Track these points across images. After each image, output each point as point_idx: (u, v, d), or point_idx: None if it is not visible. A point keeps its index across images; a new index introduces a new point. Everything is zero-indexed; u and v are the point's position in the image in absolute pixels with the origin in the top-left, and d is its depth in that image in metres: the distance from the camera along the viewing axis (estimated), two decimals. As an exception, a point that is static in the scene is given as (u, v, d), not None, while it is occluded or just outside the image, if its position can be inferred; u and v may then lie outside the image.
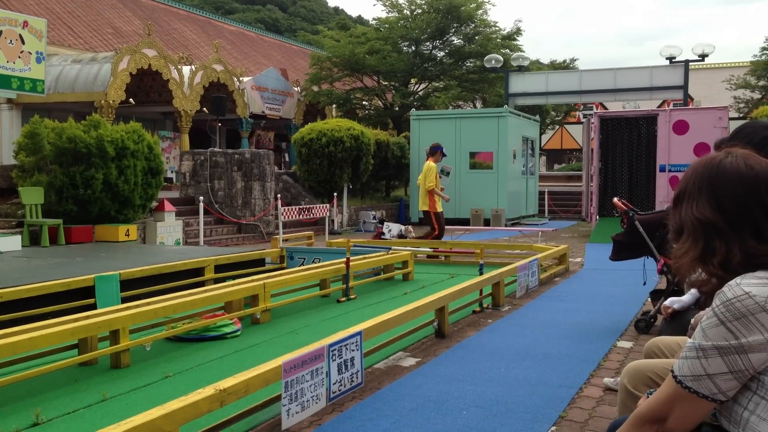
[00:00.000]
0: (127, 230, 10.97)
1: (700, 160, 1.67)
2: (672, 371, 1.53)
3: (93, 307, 6.10)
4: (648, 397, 1.67)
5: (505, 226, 17.73)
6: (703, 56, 21.38)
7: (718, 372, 1.44)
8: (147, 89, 21.55)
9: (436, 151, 11.37)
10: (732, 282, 1.45)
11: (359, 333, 4.38)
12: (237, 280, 6.70)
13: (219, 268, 8.14)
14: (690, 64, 21.70)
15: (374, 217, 18.01)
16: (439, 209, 11.36)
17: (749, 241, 1.50)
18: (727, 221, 1.54)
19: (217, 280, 7.71)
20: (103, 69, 18.26)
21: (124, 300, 6.42)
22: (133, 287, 6.81)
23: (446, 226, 14.12)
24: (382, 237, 12.40)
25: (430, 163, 11.34)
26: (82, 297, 6.27)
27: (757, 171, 1.55)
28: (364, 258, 8.28)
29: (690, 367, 1.49)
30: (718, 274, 1.55)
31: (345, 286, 7.47)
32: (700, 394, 1.48)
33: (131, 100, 20.03)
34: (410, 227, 12.43)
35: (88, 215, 10.92)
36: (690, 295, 4.73)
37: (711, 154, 1.66)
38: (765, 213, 1.52)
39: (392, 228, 12.51)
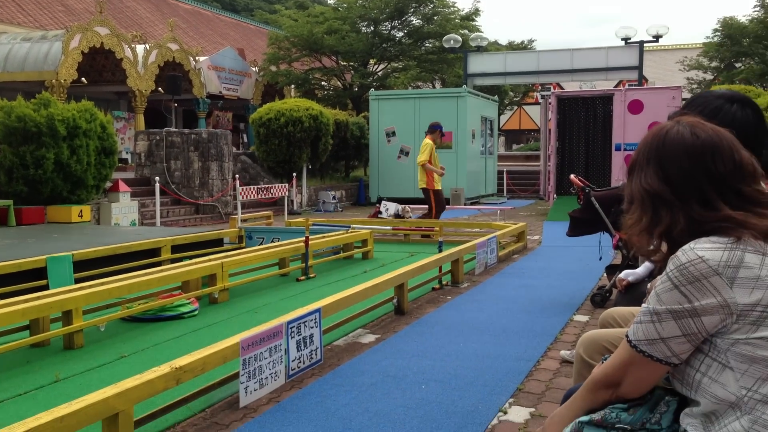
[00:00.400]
0: (81, 211, 10.74)
1: (650, 131, 1.68)
2: (626, 336, 1.54)
3: (45, 288, 5.95)
4: (603, 363, 1.69)
5: (465, 205, 17.83)
6: (657, 37, 21.68)
7: (672, 335, 1.46)
8: (100, 68, 21.05)
9: (435, 129, 11.17)
10: (686, 246, 1.46)
11: (318, 310, 4.35)
12: (194, 260, 6.61)
13: (176, 249, 8.02)
14: (644, 45, 21.99)
15: (334, 197, 17.94)
16: (437, 186, 11.12)
17: (696, 209, 1.52)
18: (673, 191, 1.55)
19: (174, 261, 7.59)
20: (54, 47, 17.77)
21: (77, 281, 6.28)
22: (87, 268, 6.67)
23: (407, 205, 14.11)
24: (379, 216, 12.29)
25: (427, 140, 11.12)
26: (34, 279, 6.12)
27: (702, 139, 1.56)
28: (324, 237, 8.24)
29: (644, 331, 1.50)
30: (665, 243, 1.58)
31: (304, 264, 7.43)
32: (654, 357, 1.49)
33: (83, 79, 19.54)
34: (408, 207, 12.18)
35: (40, 196, 10.66)
36: (644, 268, 4.81)
37: (660, 125, 1.67)
38: (710, 180, 1.53)
39: (389, 207, 12.33)
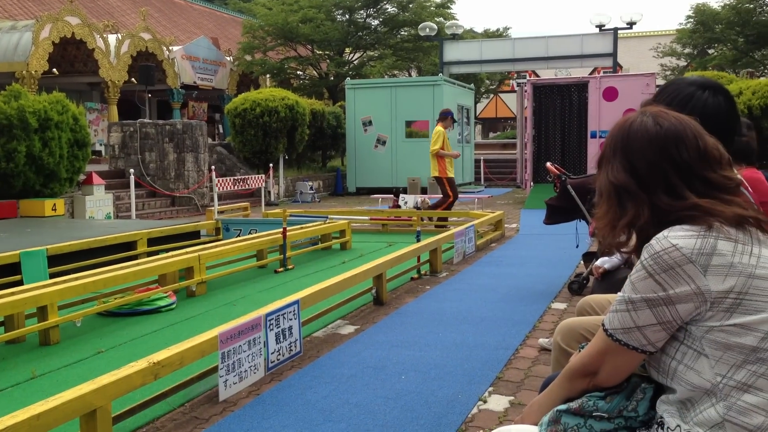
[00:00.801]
0: (54, 204, 10.60)
1: (616, 123, 1.70)
2: (603, 325, 1.56)
3: (19, 284, 5.87)
4: (580, 351, 1.70)
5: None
6: (631, 24, 21.81)
7: (647, 324, 1.47)
8: (71, 59, 20.72)
9: (446, 117, 10.89)
10: (659, 235, 1.48)
11: (297, 302, 4.34)
12: (171, 253, 6.55)
13: (152, 242, 7.95)
14: (619, 32, 22.12)
15: (311, 188, 17.89)
16: (450, 174, 10.87)
17: (663, 199, 1.53)
18: (639, 182, 1.57)
19: (150, 254, 7.53)
20: (24, 38, 17.45)
21: (52, 276, 6.20)
22: (62, 263, 6.59)
23: (383, 195, 14.08)
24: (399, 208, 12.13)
25: (438, 128, 10.83)
26: (8, 274, 6.03)
27: (665, 128, 1.58)
28: (301, 228, 8.21)
29: (620, 320, 1.51)
30: (633, 234, 1.60)
31: (282, 256, 7.41)
32: (630, 346, 1.51)
33: (55, 70, 19.23)
34: (427, 199, 12.00)
35: (12, 190, 10.49)
36: (620, 255, 4.85)
37: (625, 117, 1.69)
38: (676, 169, 1.54)
39: (408, 200, 12.12)
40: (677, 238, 1.45)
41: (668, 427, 1.46)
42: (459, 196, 11.43)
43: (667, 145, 1.56)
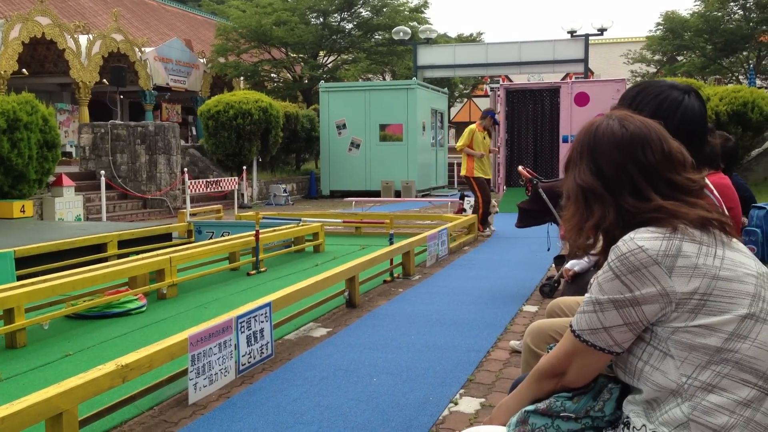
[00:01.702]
0: (23, 206, 10.44)
1: (582, 127, 1.72)
2: (570, 326, 1.57)
3: (-15, 286, 5.77)
4: (548, 352, 1.71)
5: (416, 197, 17.91)
6: (602, 30, 22.07)
7: (614, 324, 1.49)
8: (41, 59, 20.46)
9: (485, 116, 10.50)
10: (626, 237, 1.50)
11: (268, 304, 4.32)
12: (142, 255, 6.49)
13: (122, 244, 7.86)
14: (590, 38, 22.36)
15: (285, 191, 17.82)
16: (477, 173, 10.26)
17: (629, 200, 1.56)
18: (605, 184, 1.59)
19: (120, 257, 7.44)
20: (-8, 37, 17.19)
21: (20, 279, 6.10)
22: (30, 265, 6.49)
23: (357, 198, 14.04)
24: (464, 213, 11.65)
25: (471, 126, 10.47)
26: (-27, 276, 5.93)
27: (631, 131, 1.61)
28: (274, 230, 8.18)
29: (587, 321, 1.53)
30: (600, 237, 1.62)
31: (255, 258, 7.37)
32: (597, 347, 1.52)
33: (24, 70, 18.97)
34: (494, 202, 11.07)
35: (-21, 191, 10.32)
36: (583, 261, 4.89)
37: (591, 120, 1.72)
38: (641, 171, 1.57)
39: (473, 202, 11.36)
40: (643, 240, 1.47)
41: (634, 427, 1.48)
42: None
43: (632, 148, 1.59)
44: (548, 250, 6.79)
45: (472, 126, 10.47)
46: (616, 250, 1.49)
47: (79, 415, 2.89)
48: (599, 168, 1.61)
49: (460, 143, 10.36)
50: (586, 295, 1.55)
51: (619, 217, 1.57)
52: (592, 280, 1.61)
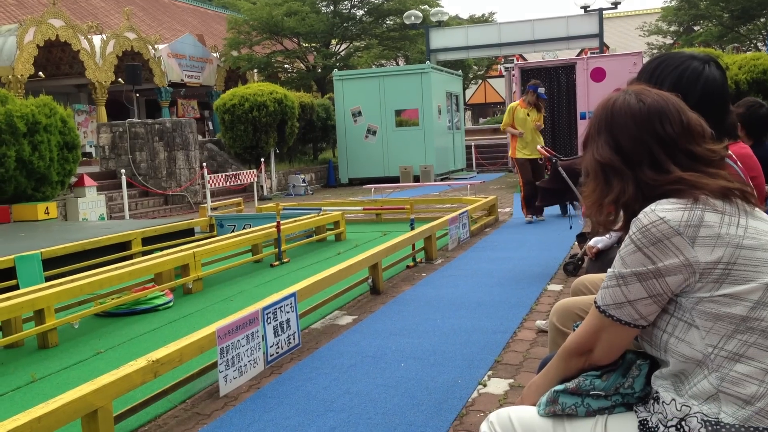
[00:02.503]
0: (47, 208, 10.57)
1: (599, 103, 1.72)
2: (595, 302, 1.57)
3: (15, 288, 5.86)
4: (574, 330, 1.72)
5: (435, 181, 17.88)
6: (616, 3, 21.80)
7: (638, 297, 1.49)
8: (57, 61, 20.61)
9: (527, 90, 9.80)
10: (647, 209, 1.50)
11: (293, 294, 4.35)
12: (166, 251, 6.55)
13: (146, 241, 7.94)
14: (604, 12, 22.11)
15: (303, 181, 17.87)
16: (519, 154, 9.64)
17: (648, 174, 1.56)
18: (623, 159, 1.59)
19: (144, 254, 7.52)
20: (8, 42, 17.35)
21: (47, 279, 6.19)
22: (57, 266, 6.58)
23: (376, 185, 14.01)
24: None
25: (513, 104, 9.93)
26: (3, 279, 6.01)
27: (648, 104, 1.60)
28: (295, 221, 8.22)
29: (611, 296, 1.52)
30: (619, 211, 1.62)
31: (277, 250, 7.41)
32: (622, 321, 1.52)
33: (41, 73, 19.14)
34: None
35: (3, 195, 10.45)
36: (613, 233, 4.87)
37: (608, 96, 1.71)
38: (660, 143, 1.57)
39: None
40: (664, 211, 1.47)
41: (663, 402, 1.48)
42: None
43: (650, 121, 1.59)
44: (570, 228, 6.77)
45: (514, 103, 9.93)
46: (637, 223, 1.49)
47: (114, 411, 2.94)
48: (617, 143, 1.61)
49: (502, 124, 9.96)
50: (609, 269, 1.55)
51: (638, 191, 1.57)
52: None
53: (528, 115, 9.55)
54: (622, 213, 1.63)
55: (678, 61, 2.19)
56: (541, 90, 9.61)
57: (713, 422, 1.41)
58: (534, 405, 1.67)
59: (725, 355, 1.43)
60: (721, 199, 1.50)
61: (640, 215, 1.49)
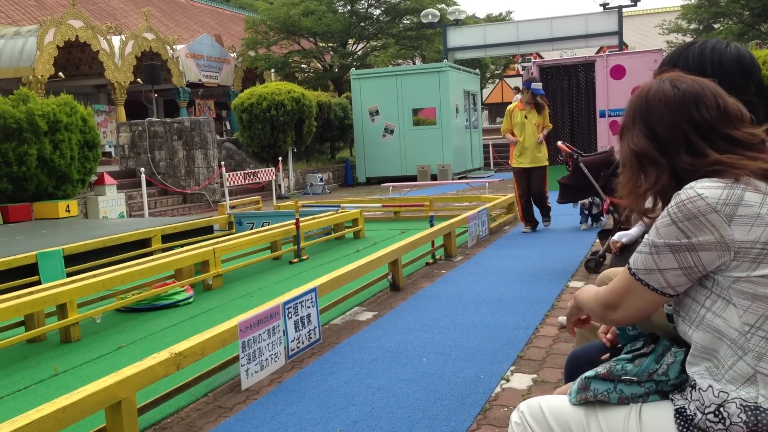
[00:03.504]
0: (68, 206, 10.65)
1: (634, 93, 1.71)
2: (628, 264, 1.57)
3: (37, 284, 5.91)
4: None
5: (452, 180, 17.83)
6: (635, 1, 21.62)
7: (669, 267, 1.48)
8: (76, 62, 20.77)
9: (523, 88, 8.72)
10: (687, 186, 1.49)
11: (314, 289, 4.34)
12: (186, 247, 6.57)
13: (166, 238, 7.97)
14: (623, 10, 21.94)
15: (321, 180, 17.88)
16: (515, 163, 8.55)
17: (685, 159, 1.54)
18: (659, 147, 1.58)
19: (164, 251, 7.55)
20: (29, 43, 17.50)
21: (69, 276, 6.23)
22: (78, 262, 6.62)
23: (394, 183, 13.94)
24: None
25: (510, 106, 8.85)
26: (25, 275, 6.06)
27: (683, 90, 1.59)
28: (314, 218, 8.21)
29: (643, 261, 1.53)
30: (655, 199, 1.62)
31: (296, 247, 7.41)
32: (650, 286, 1.52)
33: (61, 74, 19.29)
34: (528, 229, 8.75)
35: (25, 193, 10.55)
36: (637, 228, 4.81)
37: (642, 85, 1.70)
38: (696, 129, 1.55)
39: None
40: (703, 188, 1.46)
41: (700, 389, 1.45)
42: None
43: (685, 106, 1.57)
44: (586, 221, 6.69)
45: (511, 105, 8.88)
46: (676, 198, 1.48)
47: (138, 404, 2.94)
48: (653, 131, 1.59)
49: (502, 128, 8.88)
50: (646, 236, 1.54)
51: (673, 179, 1.56)
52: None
53: (526, 117, 8.43)
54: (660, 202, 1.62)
55: (699, 46, 2.17)
56: (536, 85, 8.41)
57: (752, 407, 1.39)
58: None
59: (763, 335, 1.42)
60: (762, 180, 1.47)
61: (680, 191, 1.49)
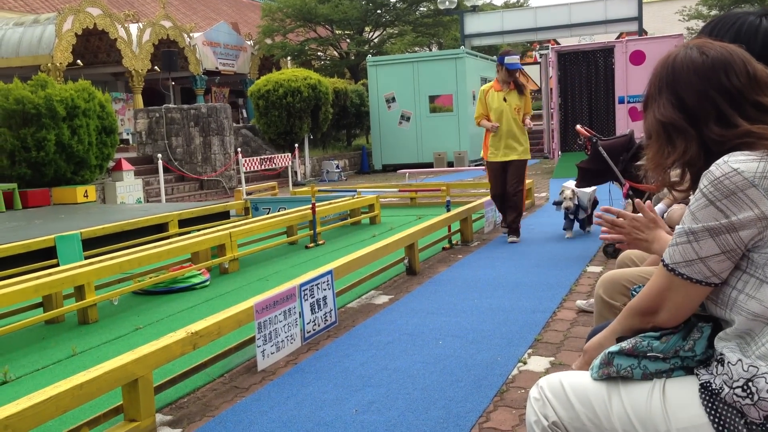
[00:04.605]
0: (86, 191, 10.71)
1: (658, 61, 1.64)
2: (662, 261, 1.50)
3: (56, 267, 5.94)
4: (634, 294, 1.65)
5: (469, 167, 17.74)
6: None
7: (711, 254, 1.41)
8: (95, 50, 20.86)
9: (497, 65, 7.02)
10: (719, 161, 1.42)
11: (330, 272, 4.33)
12: (202, 231, 6.58)
13: (183, 223, 7.99)
14: (643, -5, 21.69)
15: (337, 167, 17.86)
16: (490, 156, 7.09)
17: (715, 129, 1.48)
18: (687, 117, 1.52)
19: (181, 235, 7.56)
20: (47, 31, 17.58)
21: (87, 259, 6.26)
22: (96, 246, 6.66)
23: (410, 170, 13.90)
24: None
25: (484, 86, 7.23)
26: (44, 258, 6.10)
27: (711, 57, 1.52)
28: (330, 203, 8.20)
29: (681, 253, 1.45)
30: (683, 171, 1.56)
31: (312, 231, 7.40)
32: (693, 279, 1.44)
33: (79, 62, 19.38)
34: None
35: (44, 178, 10.63)
36: (657, 210, 4.75)
37: (668, 52, 1.63)
38: (726, 96, 1.49)
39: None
40: (738, 162, 1.39)
41: (729, 363, 1.40)
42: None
43: (715, 73, 1.50)
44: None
45: (486, 85, 7.21)
46: (709, 176, 1.41)
47: (154, 382, 2.94)
48: (681, 100, 1.53)
49: (475, 115, 7.30)
50: (678, 226, 1.47)
51: (701, 150, 1.49)
52: (665, 216, 1.54)
53: (505, 100, 6.92)
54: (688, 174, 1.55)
55: (734, 18, 2.10)
56: (512, 59, 6.87)
57: None
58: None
59: None
60: None
61: (712, 167, 1.41)
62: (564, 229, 7.20)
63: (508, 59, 6.85)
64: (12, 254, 5.82)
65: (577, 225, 7.22)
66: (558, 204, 6.98)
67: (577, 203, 6.87)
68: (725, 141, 1.46)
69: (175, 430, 2.92)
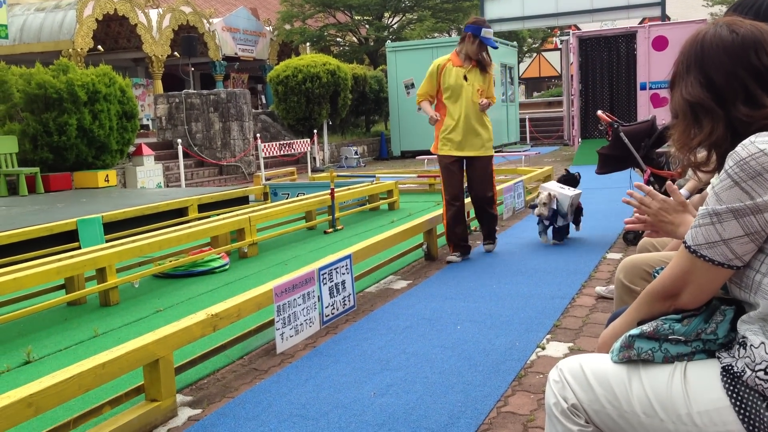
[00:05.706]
0: (107, 176, 10.80)
1: (687, 39, 1.60)
2: (684, 242, 1.48)
3: (78, 250, 6.01)
4: (654, 276, 1.63)
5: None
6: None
7: (734, 236, 1.39)
8: (115, 35, 20.97)
9: (465, 35, 5.55)
10: (745, 141, 1.40)
11: (348, 256, 4.34)
12: (222, 215, 6.62)
13: (202, 208, 8.05)
14: (667, -20, 21.36)
15: (356, 153, 17.85)
16: (442, 150, 5.70)
17: (742, 110, 1.45)
18: (715, 97, 1.49)
19: (200, 220, 7.62)
20: (68, 16, 17.70)
21: (108, 242, 6.32)
22: (117, 229, 6.72)
23: (428, 156, 13.79)
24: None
25: (438, 60, 5.72)
26: (66, 241, 6.18)
27: (742, 35, 1.49)
28: (349, 189, 8.21)
29: (704, 235, 1.43)
30: (709, 152, 1.53)
31: (331, 217, 7.41)
32: (715, 261, 1.42)
33: (100, 47, 19.49)
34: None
35: (65, 162, 10.72)
36: (683, 191, 4.70)
37: (696, 30, 1.60)
38: (755, 76, 1.46)
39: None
40: (765, 143, 1.36)
41: (752, 345, 1.39)
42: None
43: (745, 52, 1.47)
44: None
45: (441, 59, 5.70)
46: (735, 156, 1.38)
47: (175, 363, 2.97)
48: (709, 79, 1.49)
49: (417, 93, 5.87)
50: (701, 207, 1.45)
51: (728, 130, 1.47)
52: (708, 189, 1.51)
53: (465, 78, 5.56)
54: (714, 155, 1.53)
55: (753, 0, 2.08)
56: (488, 33, 5.53)
57: None
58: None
59: None
60: None
61: (738, 148, 1.39)
62: (539, 233, 6.21)
63: (485, 32, 5.48)
64: (35, 237, 5.90)
65: (550, 234, 6.15)
66: (533, 208, 6.03)
67: (555, 208, 5.93)
68: (753, 122, 1.43)
69: (195, 410, 2.95)
